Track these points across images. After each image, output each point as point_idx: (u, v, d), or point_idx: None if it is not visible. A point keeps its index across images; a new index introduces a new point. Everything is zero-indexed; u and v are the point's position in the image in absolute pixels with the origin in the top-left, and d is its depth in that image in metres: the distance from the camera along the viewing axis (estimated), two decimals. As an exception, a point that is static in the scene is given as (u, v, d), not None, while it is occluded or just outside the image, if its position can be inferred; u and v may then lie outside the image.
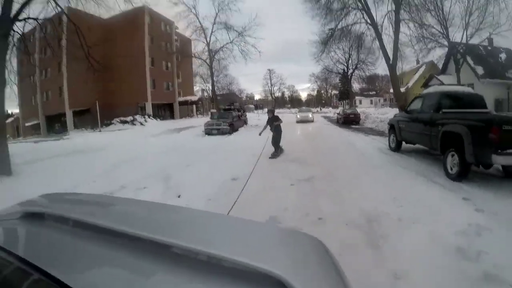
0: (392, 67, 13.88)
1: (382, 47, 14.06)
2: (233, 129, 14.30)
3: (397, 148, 7.16)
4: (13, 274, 0.59)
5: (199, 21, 11.00)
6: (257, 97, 74.90)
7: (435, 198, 3.66)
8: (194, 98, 32.86)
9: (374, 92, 58.12)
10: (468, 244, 2.44)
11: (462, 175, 4.35)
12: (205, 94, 41.66)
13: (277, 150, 7.44)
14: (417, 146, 6.61)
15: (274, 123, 7.59)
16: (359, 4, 14.33)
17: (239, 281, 0.54)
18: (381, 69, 35.98)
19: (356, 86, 45.23)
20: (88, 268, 0.61)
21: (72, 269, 0.60)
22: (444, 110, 5.17)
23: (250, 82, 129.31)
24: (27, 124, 30.10)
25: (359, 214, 3.19)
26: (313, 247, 0.74)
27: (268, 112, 8.28)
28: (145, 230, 0.66)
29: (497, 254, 2.24)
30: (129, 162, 6.98)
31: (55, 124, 28.10)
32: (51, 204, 0.99)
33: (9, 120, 32.54)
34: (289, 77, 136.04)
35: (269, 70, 53.84)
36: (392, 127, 7.41)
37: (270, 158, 7.04)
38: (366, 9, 14.05)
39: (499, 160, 3.89)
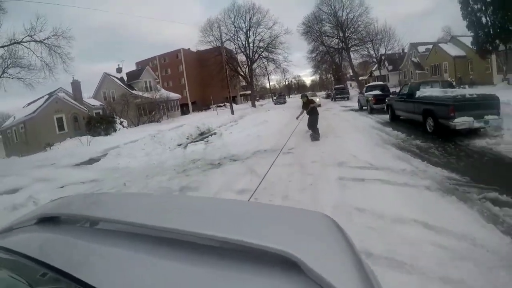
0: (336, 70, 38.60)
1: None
2: (285, 102, 39.34)
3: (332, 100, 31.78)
4: (35, 278, 0.60)
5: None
6: (267, 85, 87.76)
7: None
8: (247, 92, 57.77)
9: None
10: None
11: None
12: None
13: (316, 132, 7.60)
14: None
15: (310, 105, 7.72)
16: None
17: (252, 262, 0.56)
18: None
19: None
20: (106, 266, 0.63)
21: (91, 268, 0.62)
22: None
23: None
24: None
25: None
26: (323, 224, 0.75)
27: (302, 97, 8.77)
28: (156, 222, 0.69)
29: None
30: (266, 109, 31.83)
31: (171, 109, 53.49)
32: (66, 206, 1.03)
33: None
34: (293, 65, 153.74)
35: (283, 69, 76.12)
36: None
37: (312, 141, 7.35)
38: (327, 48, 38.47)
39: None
